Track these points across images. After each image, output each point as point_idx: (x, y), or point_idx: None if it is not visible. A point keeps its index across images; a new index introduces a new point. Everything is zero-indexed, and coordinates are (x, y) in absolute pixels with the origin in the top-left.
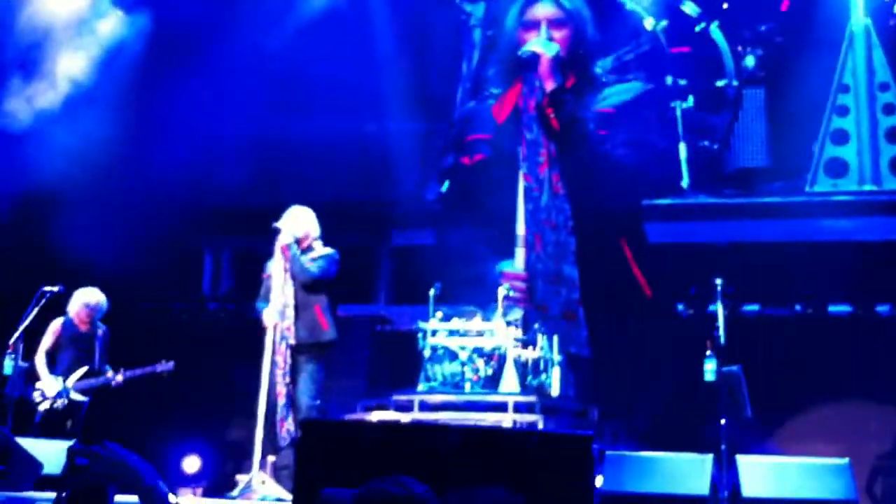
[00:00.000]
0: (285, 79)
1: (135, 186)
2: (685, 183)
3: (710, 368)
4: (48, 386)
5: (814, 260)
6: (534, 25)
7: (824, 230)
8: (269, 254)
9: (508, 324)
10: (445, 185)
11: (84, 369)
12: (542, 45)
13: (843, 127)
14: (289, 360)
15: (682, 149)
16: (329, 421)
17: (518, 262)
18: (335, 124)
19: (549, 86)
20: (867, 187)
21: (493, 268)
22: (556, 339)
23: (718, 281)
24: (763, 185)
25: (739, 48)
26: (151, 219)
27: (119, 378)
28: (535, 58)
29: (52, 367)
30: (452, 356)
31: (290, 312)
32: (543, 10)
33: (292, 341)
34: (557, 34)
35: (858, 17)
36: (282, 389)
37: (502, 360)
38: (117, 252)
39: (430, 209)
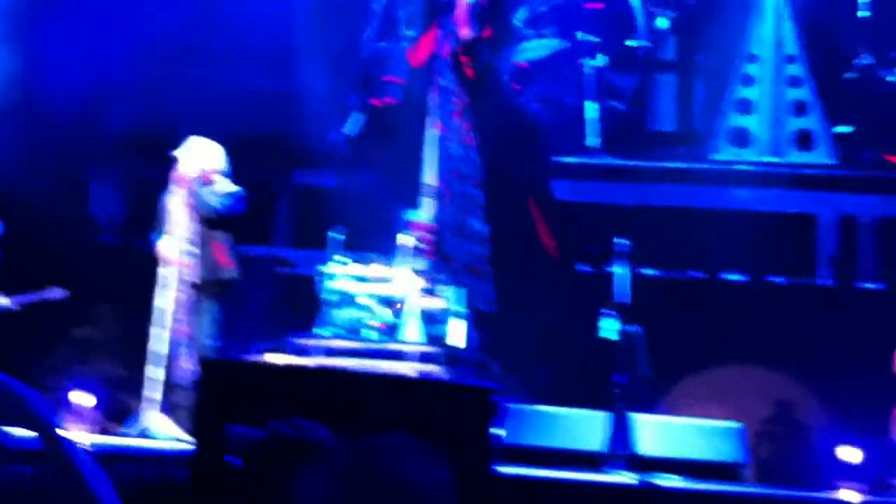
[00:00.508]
0: (187, 21)
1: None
2: (591, 142)
3: (609, 327)
4: None
5: (713, 227)
6: None
7: (724, 198)
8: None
9: (413, 272)
10: (349, 125)
11: None
12: None
13: (748, 97)
14: (188, 298)
15: (591, 108)
16: (231, 361)
17: (425, 213)
18: (239, 65)
19: (465, 33)
20: (769, 159)
21: (397, 215)
22: (461, 290)
23: (623, 241)
24: (669, 149)
25: (652, 9)
26: (38, 150)
27: (6, 302)
28: (451, 1)
29: None
30: (352, 302)
31: (193, 249)
32: None
33: (194, 279)
34: None
35: None
36: (182, 328)
37: (404, 308)
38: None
39: (333, 149)
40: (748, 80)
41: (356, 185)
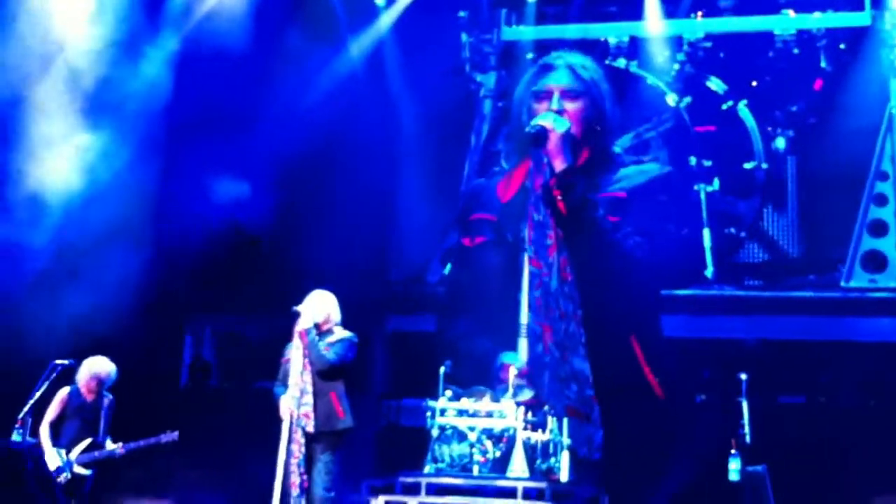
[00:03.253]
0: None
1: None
2: (709, 272)
3: (734, 468)
4: (51, 460)
5: (849, 362)
6: (546, 96)
7: (862, 329)
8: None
9: (518, 405)
10: (448, 268)
11: (87, 441)
12: (551, 120)
13: (882, 217)
14: (303, 449)
15: (707, 235)
16: None
17: (522, 354)
18: (347, 200)
19: (558, 165)
20: None
21: (495, 359)
22: (565, 421)
23: (743, 376)
24: (793, 277)
25: (769, 129)
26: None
27: (120, 450)
28: (543, 133)
29: (57, 438)
30: (461, 437)
31: (308, 399)
32: (557, 80)
33: (310, 429)
34: (571, 106)
35: None
36: (295, 480)
37: (511, 441)
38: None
39: (431, 292)
40: (881, 200)
41: (453, 329)
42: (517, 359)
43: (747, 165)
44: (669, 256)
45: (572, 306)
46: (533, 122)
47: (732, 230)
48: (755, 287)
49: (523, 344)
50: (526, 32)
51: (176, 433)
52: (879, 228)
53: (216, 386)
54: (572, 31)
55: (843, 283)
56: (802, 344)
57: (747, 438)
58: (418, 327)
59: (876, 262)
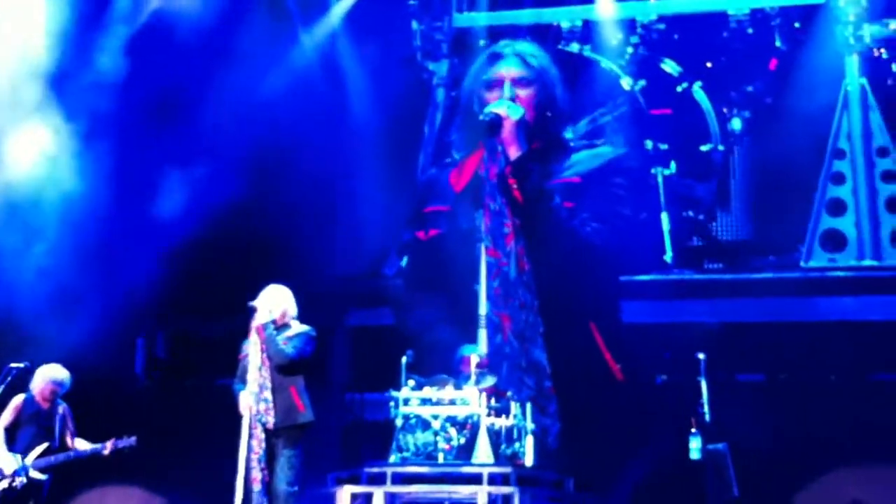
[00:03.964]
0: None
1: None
2: (668, 257)
3: (694, 447)
4: (6, 464)
5: (810, 341)
6: (497, 84)
7: (821, 309)
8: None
9: (481, 392)
10: (405, 260)
11: (44, 446)
12: (505, 107)
13: (840, 196)
14: (264, 445)
15: (665, 219)
16: None
17: (482, 345)
18: (302, 194)
19: (513, 152)
20: (867, 262)
21: (455, 351)
22: (528, 406)
23: (701, 355)
24: (753, 259)
25: (725, 110)
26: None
27: (86, 447)
28: (498, 120)
29: (12, 444)
30: (425, 425)
31: (268, 395)
32: (507, 69)
33: (270, 425)
34: (523, 93)
35: (854, 76)
36: (257, 475)
37: (475, 428)
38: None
39: (389, 286)
40: (838, 179)
41: (412, 323)
42: (477, 350)
43: (704, 148)
44: (628, 242)
45: (530, 296)
46: (486, 110)
47: (691, 213)
48: (715, 270)
49: (483, 335)
50: (478, 19)
51: (133, 438)
52: (838, 207)
53: (174, 384)
54: (525, 16)
55: (802, 264)
56: (764, 325)
57: (706, 417)
58: (377, 321)
59: (835, 241)
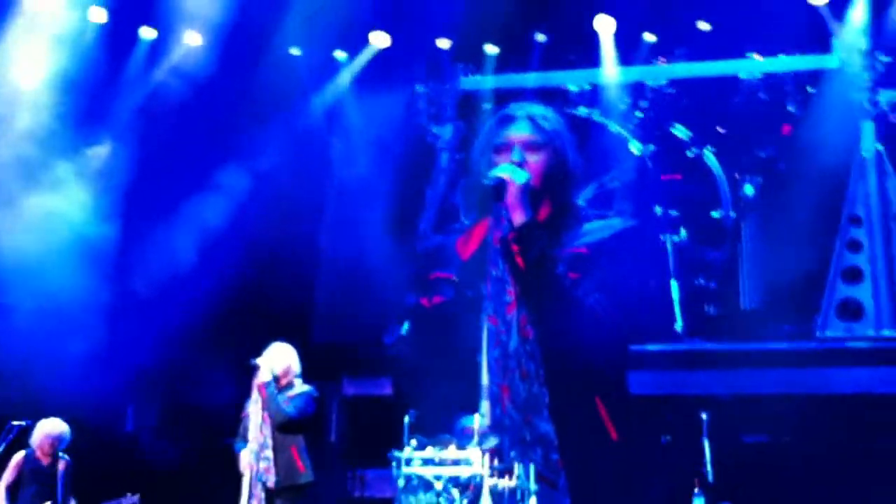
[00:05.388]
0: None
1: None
2: (679, 326)
3: None
4: None
5: (826, 414)
6: (506, 148)
7: (838, 381)
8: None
9: (484, 452)
10: (405, 328)
11: None
12: (509, 172)
13: (857, 264)
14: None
15: (675, 287)
16: None
17: (486, 417)
18: (297, 260)
19: (517, 218)
20: (886, 332)
21: (457, 420)
22: (532, 467)
23: (704, 415)
24: (767, 328)
25: (737, 175)
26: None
27: None
28: (502, 185)
29: (14, 503)
30: (427, 486)
31: (269, 453)
32: (517, 132)
33: (271, 484)
34: (532, 159)
35: (870, 142)
36: None
37: (478, 489)
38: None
39: (388, 355)
40: (855, 246)
41: (412, 394)
42: (479, 420)
43: (715, 214)
44: (636, 311)
45: (534, 365)
46: (491, 174)
47: (702, 281)
48: (727, 339)
49: (486, 406)
50: (484, 82)
51: (136, 496)
52: (854, 275)
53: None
54: (532, 79)
55: (818, 334)
56: (777, 398)
57: (710, 477)
58: (375, 391)
59: (852, 310)
